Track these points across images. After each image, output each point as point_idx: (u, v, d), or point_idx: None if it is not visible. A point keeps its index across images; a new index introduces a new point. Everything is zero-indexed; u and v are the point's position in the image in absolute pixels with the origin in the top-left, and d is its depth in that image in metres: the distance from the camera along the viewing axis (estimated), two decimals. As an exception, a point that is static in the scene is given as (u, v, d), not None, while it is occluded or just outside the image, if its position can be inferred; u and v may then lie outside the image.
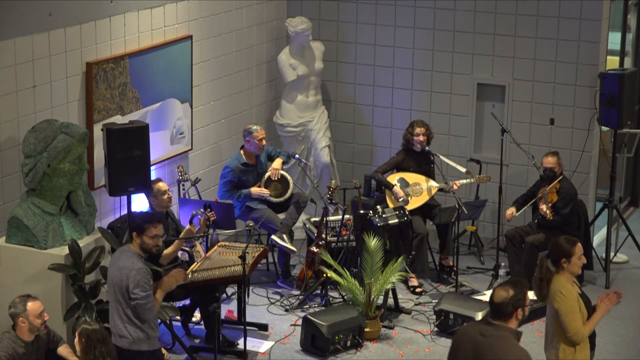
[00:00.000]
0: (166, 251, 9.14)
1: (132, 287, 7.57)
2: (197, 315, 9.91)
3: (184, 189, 10.67)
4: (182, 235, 9.36)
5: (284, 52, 11.95)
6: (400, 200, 10.87)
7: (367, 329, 9.71)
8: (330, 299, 10.40)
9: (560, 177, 10.59)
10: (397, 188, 10.91)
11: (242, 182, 10.75)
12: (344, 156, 12.60)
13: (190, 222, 9.65)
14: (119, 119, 9.89)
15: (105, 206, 9.95)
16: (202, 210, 9.77)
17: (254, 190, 10.73)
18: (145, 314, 7.63)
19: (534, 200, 10.69)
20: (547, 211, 10.32)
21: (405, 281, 10.73)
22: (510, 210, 10.76)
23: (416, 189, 10.99)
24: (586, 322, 7.23)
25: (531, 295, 10.42)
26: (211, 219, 9.64)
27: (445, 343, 9.72)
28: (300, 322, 9.76)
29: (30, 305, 7.70)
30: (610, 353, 9.60)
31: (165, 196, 9.63)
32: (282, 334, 9.88)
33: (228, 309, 10.17)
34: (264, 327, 9.94)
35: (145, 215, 7.86)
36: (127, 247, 7.79)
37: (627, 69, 11.60)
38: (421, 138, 10.94)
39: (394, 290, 10.27)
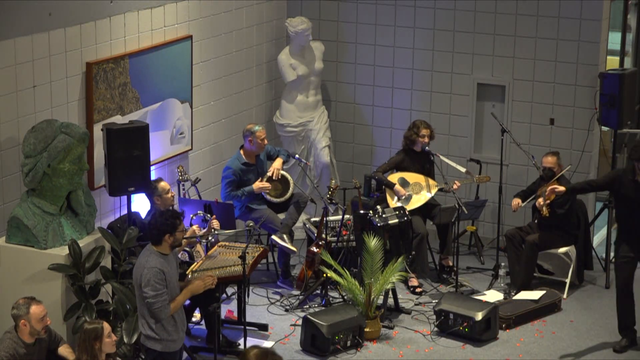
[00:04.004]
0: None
1: (143, 285, 7.65)
2: (197, 315, 9.91)
3: (184, 189, 10.66)
4: (186, 235, 9.35)
5: (284, 52, 11.95)
6: (402, 198, 10.87)
7: (367, 329, 9.71)
8: (330, 299, 10.39)
9: (559, 176, 10.58)
10: (398, 186, 10.91)
11: (243, 181, 10.75)
12: (344, 156, 12.60)
13: (191, 224, 9.65)
14: (119, 119, 9.89)
15: (105, 206, 9.95)
16: (201, 212, 9.77)
17: (256, 185, 10.72)
18: (156, 313, 7.66)
19: (533, 196, 10.68)
20: (544, 208, 10.32)
21: (405, 281, 10.73)
22: (516, 201, 10.73)
23: (416, 189, 10.99)
24: None
25: (531, 295, 10.48)
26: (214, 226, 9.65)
27: (445, 343, 9.72)
28: (300, 322, 9.75)
29: (33, 308, 7.70)
30: (610, 352, 9.60)
31: (170, 195, 9.65)
32: (282, 334, 9.88)
33: (228, 309, 10.17)
34: (264, 327, 9.94)
35: (168, 214, 7.86)
36: (148, 247, 7.83)
37: (627, 69, 11.60)
38: (426, 139, 10.96)
39: (394, 290, 10.27)
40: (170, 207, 9.64)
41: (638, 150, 9.27)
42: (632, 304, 9.60)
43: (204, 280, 8.05)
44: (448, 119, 12.02)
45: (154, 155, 9.98)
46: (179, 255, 9.57)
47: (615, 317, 9.93)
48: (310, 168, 12.01)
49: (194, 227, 9.45)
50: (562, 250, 10.76)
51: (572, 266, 10.77)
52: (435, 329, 9.91)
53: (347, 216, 10.95)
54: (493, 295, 10.47)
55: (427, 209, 10.99)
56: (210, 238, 9.65)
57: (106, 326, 7.51)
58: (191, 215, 9.94)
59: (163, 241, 7.75)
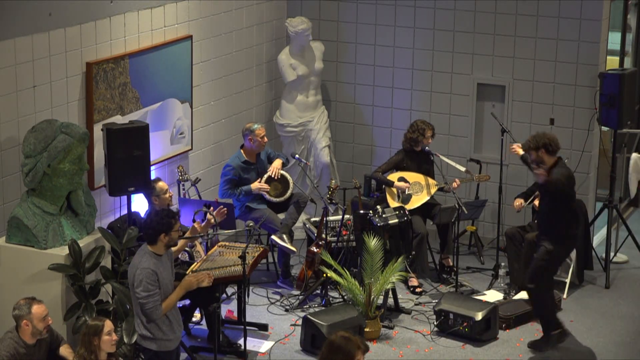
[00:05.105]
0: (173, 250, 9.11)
1: (135, 285, 7.65)
2: (197, 315, 9.92)
3: (184, 189, 10.67)
4: (187, 234, 9.33)
5: (284, 52, 11.95)
6: (406, 192, 10.87)
7: (367, 329, 9.71)
8: (330, 299, 10.40)
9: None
10: (398, 183, 10.92)
11: (243, 180, 10.75)
12: (344, 156, 12.60)
13: (194, 221, 9.64)
14: (119, 119, 9.89)
15: (105, 206, 9.95)
16: (204, 208, 9.76)
17: (254, 185, 10.72)
18: (148, 313, 7.66)
19: (533, 197, 10.69)
20: None
21: (405, 281, 10.73)
22: (519, 201, 10.74)
23: (416, 189, 10.99)
24: None
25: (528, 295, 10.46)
26: (214, 219, 9.60)
27: (445, 343, 9.72)
28: (300, 322, 9.76)
29: (35, 308, 7.70)
30: (610, 353, 9.60)
31: (167, 195, 9.64)
32: (282, 334, 9.88)
33: (228, 309, 10.17)
34: (264, 327, 9.94)
35: (163, 213, 7.85)
36: (144, 246, 7.83)
37: (627, 69, 11.59)
38: (430, 140, 10.98)
39: (394, 290, 10.27)
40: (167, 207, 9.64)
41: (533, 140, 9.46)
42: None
43: (197, 276, 8.02)
44: (448, 119, 12.02)
45: (154, 155, 9.98)
46: (179, 256, 9.58)
47: (615, 317, 9.94)
48: (310, 168, 12.02)
49: (196, 223, 9.43)
50: (562, 250, 10.76)
51: (572, 266, 10.77)
52: (435, 329, 9.91)
53: (347, 216, 10.96)
54: (493, 295, 10.48)
55: (427, 209, 10.99)
56: (210, 231, 9.60)
57: (108, 324, 7.52)
58: (194, 211, 9.93)
59: (158, 241, 7.74)
